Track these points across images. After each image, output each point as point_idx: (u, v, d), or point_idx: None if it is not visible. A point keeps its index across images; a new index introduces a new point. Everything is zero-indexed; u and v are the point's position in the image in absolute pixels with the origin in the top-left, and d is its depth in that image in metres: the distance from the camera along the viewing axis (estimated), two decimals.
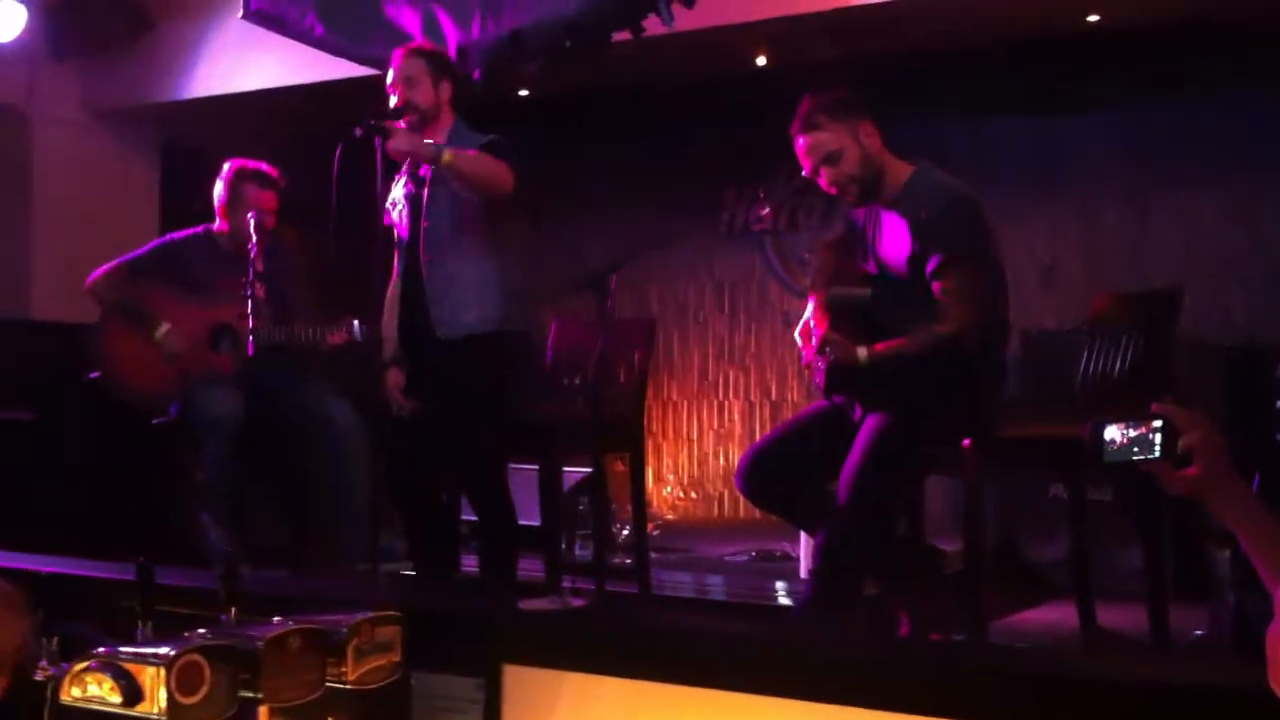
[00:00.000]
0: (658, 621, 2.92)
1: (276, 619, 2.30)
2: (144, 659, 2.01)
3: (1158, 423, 1.97)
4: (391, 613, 2.33)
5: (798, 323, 3.91)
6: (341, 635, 2.23)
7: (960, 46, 6.40)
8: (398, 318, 4.31)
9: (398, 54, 4.27)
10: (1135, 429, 1.98)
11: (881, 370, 3.51)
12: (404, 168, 4.33)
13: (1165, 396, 2.00)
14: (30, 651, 2.53)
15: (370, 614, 2.29)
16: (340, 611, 2.38)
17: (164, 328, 4.83)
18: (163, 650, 2.01)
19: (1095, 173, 6.79)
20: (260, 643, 2.10)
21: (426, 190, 4.22)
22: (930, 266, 3.52)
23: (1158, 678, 2.31)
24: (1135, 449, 1.98)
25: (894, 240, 3.64)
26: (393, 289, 4.38)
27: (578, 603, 2.86)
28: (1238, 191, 6.47)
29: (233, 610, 2.39)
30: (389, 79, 4.24)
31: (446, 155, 4.04)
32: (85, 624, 2.82)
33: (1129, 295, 4.04)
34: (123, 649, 2.09)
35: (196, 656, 2.02)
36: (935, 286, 3.52)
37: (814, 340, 3.65)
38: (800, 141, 3.67)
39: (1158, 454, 1.97)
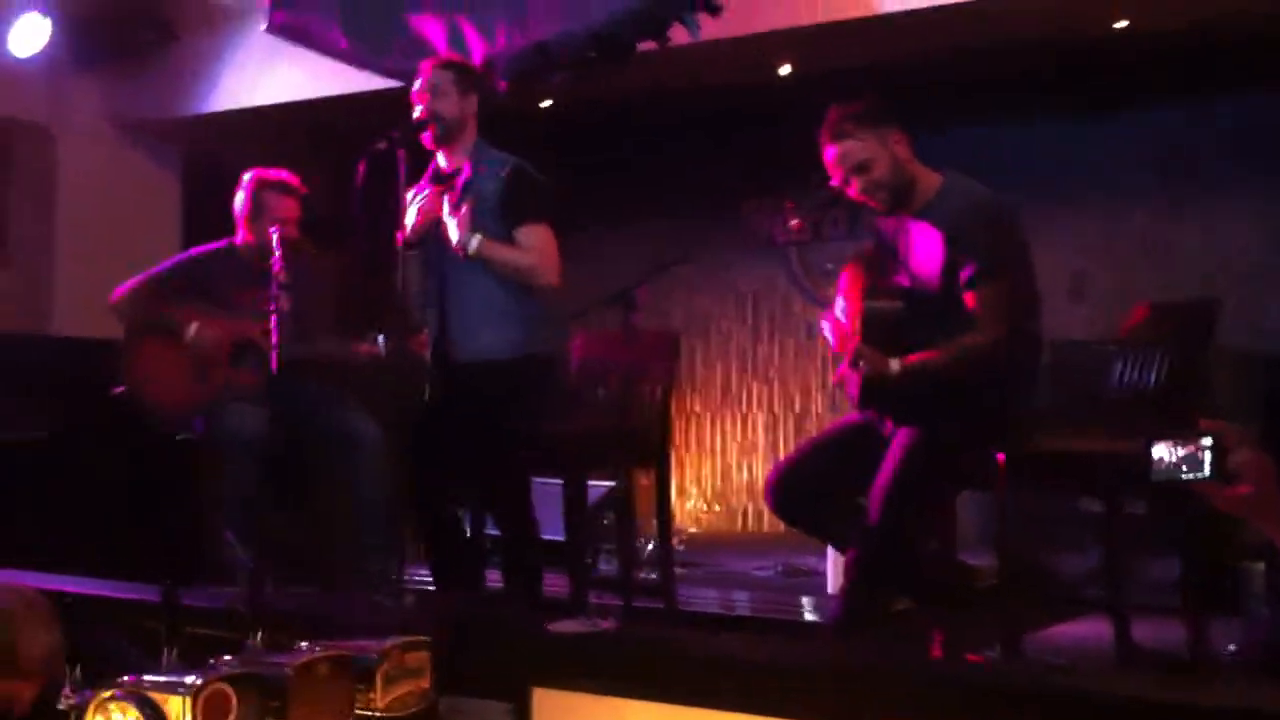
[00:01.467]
0: (688, 644, 2.87)
1: (304, 644, 2.26)
2: (169, 688, 1.97)
3: (1207, 440, 1.96)
4: (421, 638, 2.29)
5: (822, 332, 3.89)
6: (371, 661, 2.19)
7: (985, 52, 6.34)
8: (431, 339, 4.28)
9: (426, 65, 4.23)
10: (1184, 447, 1.97)
11: (914, 383, 3.46)
12: (424, 178, 4.29)
13: (1214, 414, 1.98)
14: (59, 662, 2.53)
15: (400, 639, 2.25)
16: (369, 635, 2.34)
17: (194, 326, 4.79)
18: (189, 679, 1.97)
19: (1124, 180, 6.72)
20: (288, 670, 2.06)
21: (449, 210, 4.16)
22: (963, 277, 3.47)
23: (1206, 701, 2.26)
24: (1184, 467, 1.97)
25: (925, 251, 3.59)
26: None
27: (607, 624, 2.81)
28: (1269, 199, 6.40)
29: (259, 633, 2.35)
30: (416, 88, 4.21)
31: (473, 245, 4.03)
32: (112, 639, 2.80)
33: (1163, 307, 3.97)
34: (147, 677, 2.04)
35: (223, 685, 1.97)
36: (968, 297, 3.47)
37: (846, 353, 3.61)
38: (829, 150, 3.63)
39: (1207, 473, 1.96)
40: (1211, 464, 1.96)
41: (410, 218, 4.21)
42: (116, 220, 7.45)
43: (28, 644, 2.57)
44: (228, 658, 2.20)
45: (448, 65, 4.25)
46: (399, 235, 4.19)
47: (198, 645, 2.52)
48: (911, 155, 3.63)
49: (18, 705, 2.28)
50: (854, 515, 3.60)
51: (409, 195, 4.26)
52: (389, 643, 2.24)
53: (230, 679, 2.01)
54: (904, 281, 3.69)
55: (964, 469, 3.54)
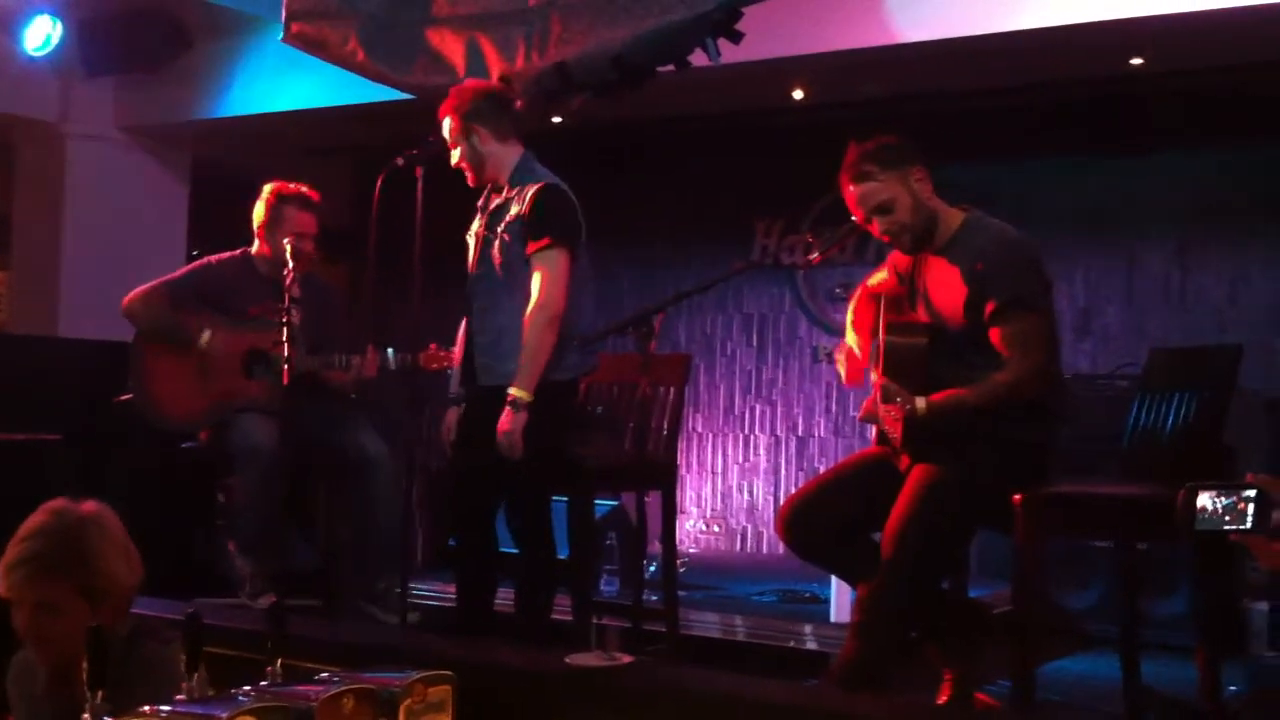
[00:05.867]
0: (703, 680, 2.86)
1: (325, 674, 2.24)
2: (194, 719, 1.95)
3: (1251, 493, 1.98)
4: (444, 672, 2.28)
5: (825, 359, 3.87)
6: (394, 695, 2.17)
7: (1003, 86, 6.36)
8: (462, 358, 4.27)
9: (441, 109, 4.20)
10: (1228, 498, 1.98)
11: (942, 421, 3.44)
12: (480, 200, 4.27)
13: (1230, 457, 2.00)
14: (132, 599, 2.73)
15: (422, 673, 2.24)
16: (388, 667, 2.33)
17: (206, 334, 4.77)
18: (214, 711, 1.96)
19: (1139, 217, 6.74)
20: (314, 702, 2.04)
21: (483, 233, 4.16)
22: (988, 312, 3.45)
23: None
24: (1227, 518, 1.99)
25: (946, 287, 3.57)
26: (465, 322, 4.34)
27: (625, 659, 2.80)
28: None
29: (279, 662, 2.33)
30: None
31: (514, 392, 3.96)
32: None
33: (1185, 351, 3.97)
34: (168, 708, 2.02)
35: (249, 718, 1.96)
36: (994, 334, 3.45)
37: (874, 389, 3.59)
38: (850, 190, 3.61)
39: (1249, 525, 1.98)
40: (1255, 517, 1.98)
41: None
42: (123, 223, 7.45)
43: (111, 567, 2.68)
44: (248, 688, 2.18)
45: (451, 109, 4.17)
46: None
47: (214, 666, 2.49)
48: (933, 192, 3.61)
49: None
50: (868, 552, 3.58)
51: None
52: (412, 676, 2.22)
53: (256, 711, 1.99)
54: (924, 317, 3.67)
55: (983, 509, 3.52)
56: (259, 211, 4.86)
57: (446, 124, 4.17)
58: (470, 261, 4.23)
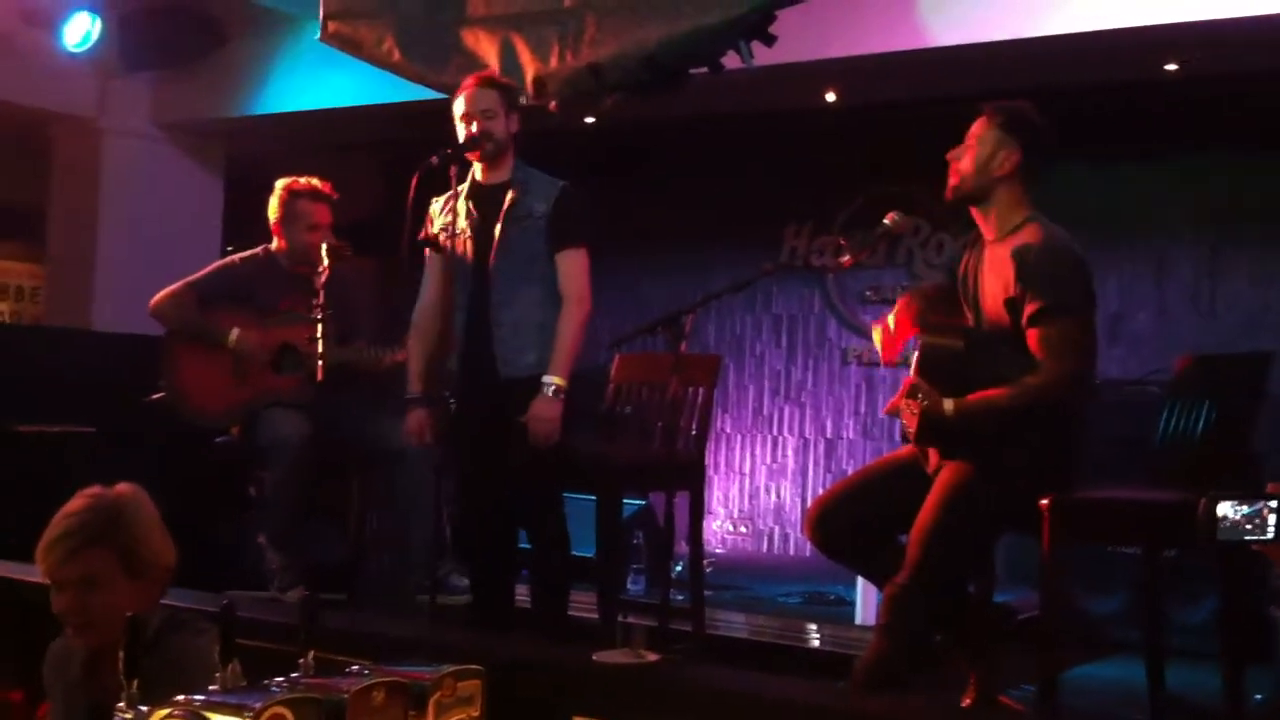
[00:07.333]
0: (728, 679, 2.88)
1: (355, 667, 2.26)
2: (228, 710, 1.97)
3: (1273, 502, 1.99)
4: (473, 666, 2.29)
5: (855, 360, 3.89)
6: (424, 688, 2.19)
7: (1033, 90, 6.33)
8: (461, 351, 4.29)
9: (469, 83, 4.26)
10: (1250, 507, 2.00)
11: (969, 422, 3.45)
12: (465, 189, 4.31)
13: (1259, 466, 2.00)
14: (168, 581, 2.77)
15: (453, 667, 2.25)
16: (417, 658, 2.35)
17: (235, 332, 4.82)
18: (248, 701, 1.98)
19: (1169, 224, 6.72)
20: (346, 694, 2.06)
21: (499, 226, 4.20)
22: (1028, 312, 3.45)
23: None
24: (1249, 527, 2.00)
25: (995, 280, 3.57)
26: (424, 315, 4.39)
27: (652, 656, 2.82)
28: None
29: (310, 654, 2.35)
30: (460, 109, 4.23)
31: (556, 380, 4.11)
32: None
33: (1215, 358, 3.96)
34: (202, 698, 2.05)
35: (282, 709, 1.98)
36: (1031, 335, 3.44)
37: (902, 386, 3.61)
38: (977, 119, 3.67)
39: (1271, 535, 1.99)
40: (1277, 527, 1.99)
41: (440, 224, 4.30)
42: (158, 219, 7.52)
43: (150, 537, 2.73)
44: (280, 679, 2.20)
45: (493, 84, 4.29)
46: (427, 236, 4.31)
47: (245, 658, 2.53)
48: (1012, 176, 3.61)
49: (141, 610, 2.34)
50: (895, 553, 3.59)
51: (441, 201, 4.34)
52: (443, 670, 2.24)
53: (289, 702, 2.01)
54: (968, 319, 3.68)
55: (1010, 511, 3.52)
56: (273, 208, 4.91)
57: (492, 93, 4.24)
58: (468, 254, 4.26)
